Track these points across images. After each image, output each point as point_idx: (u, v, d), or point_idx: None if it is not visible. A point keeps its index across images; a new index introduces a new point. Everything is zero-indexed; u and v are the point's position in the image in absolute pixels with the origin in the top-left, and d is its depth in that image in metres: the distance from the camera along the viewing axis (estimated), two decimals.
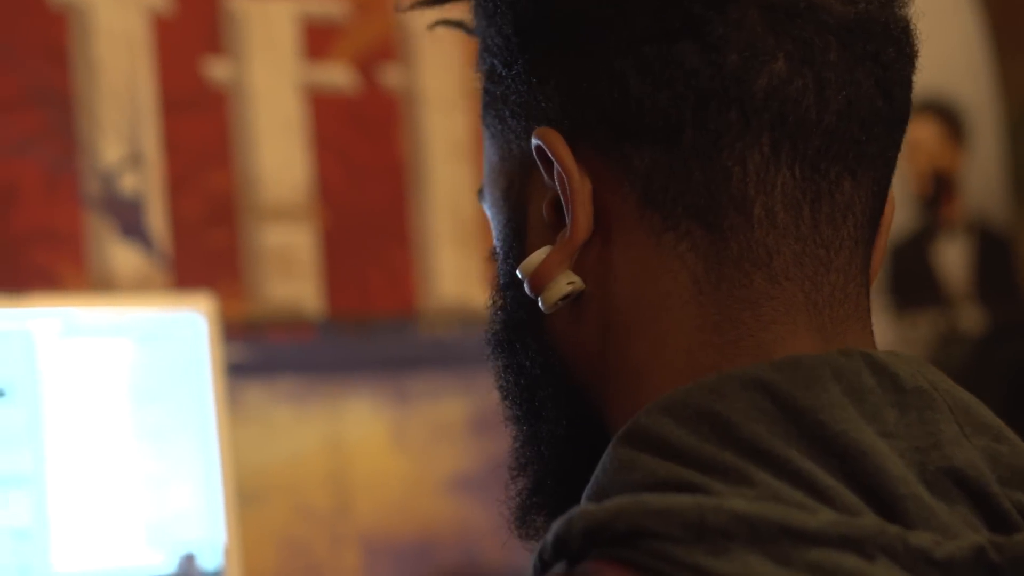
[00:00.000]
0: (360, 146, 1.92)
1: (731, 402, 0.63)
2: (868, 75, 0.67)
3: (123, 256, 1.74)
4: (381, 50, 1.96)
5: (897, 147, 0.70)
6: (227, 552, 1.55)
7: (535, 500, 0.75)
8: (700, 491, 0.62)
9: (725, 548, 0.60)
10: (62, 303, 1.55)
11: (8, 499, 1.46)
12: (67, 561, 1.47)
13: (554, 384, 0.73)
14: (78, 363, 1.53)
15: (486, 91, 0.73)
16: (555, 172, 0.68)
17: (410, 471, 1.82)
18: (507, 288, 0.74)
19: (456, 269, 1.94)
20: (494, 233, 0.75)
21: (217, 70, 1.85)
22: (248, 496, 1.69)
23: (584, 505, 0.64)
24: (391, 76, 1.97)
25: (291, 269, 1.85)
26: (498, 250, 0.75)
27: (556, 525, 0.64)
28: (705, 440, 0.63)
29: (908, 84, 0.70)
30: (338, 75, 1.93)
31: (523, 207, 0.72)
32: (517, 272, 0.71)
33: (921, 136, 2.85)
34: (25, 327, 1.51)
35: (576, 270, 0.69)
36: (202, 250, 1.80)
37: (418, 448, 1.82)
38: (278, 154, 1.86)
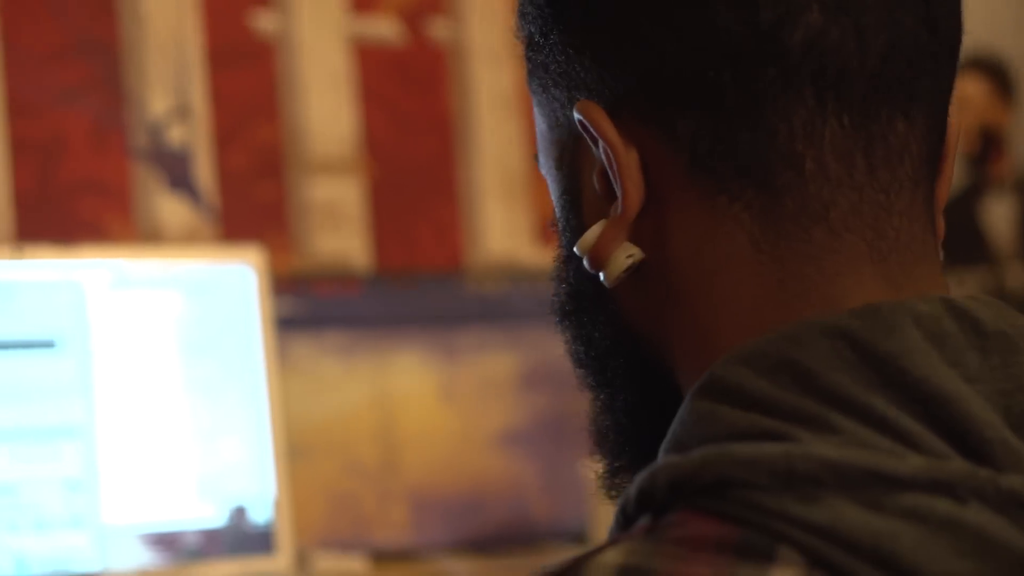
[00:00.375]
0: (407, 99, 1.90)
1: (810, 350, 0.62)
2: (910, 12, 0.65)
3: (170, 208, 1.73)
4: (428, 3, 1.94)
5: (951, 77, 0.69)
6: (277, 505, 1.54)
7: (620, 464, 0.75)
8: (785, 440, 0.61)
9: (815, 495, 0.59)
10: (111, 255, 1.54)
11: (59, 450, 1.46)
12: (117, 512, 1.47)
13: (624, 354, 0.72)
14: (127, 315, 1.52)
15: (528, 58, 0.73)
16: (600, 146, 0.68)
17: (458, 426, 1.81)
18: (568, 261, 0.73)
19: (503, 224, 1.93)
20: (553, 200, 0.74)
21: (264, 22, 1.84)
22: (297, 450, 1.68)
23: (667, 458, 0.63)
24: (438, 29, 1.95)
25: (338, 223, 1.83)
26: (557, 219, 0.74)
27: (639, 478, 0.63)
28: (785, 389, 0.62)
29: (956, 12, 0.68)
30: (385, 28, 1.92)
31: (576, 176, 0.71)
32: (574, 248, 0.71)
33: (968, 93, 2.82)
34: (75, 278, 1.50)
35: (633, 239, 0.68)
36: (249, 203, 1.79)
37: (466, 403, 1.81)
38: (325, 107, 1.84)
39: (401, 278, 1.83)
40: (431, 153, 1.91)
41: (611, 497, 0.75)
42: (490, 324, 1.86)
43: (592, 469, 0.75)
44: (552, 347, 2.06)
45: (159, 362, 1.53)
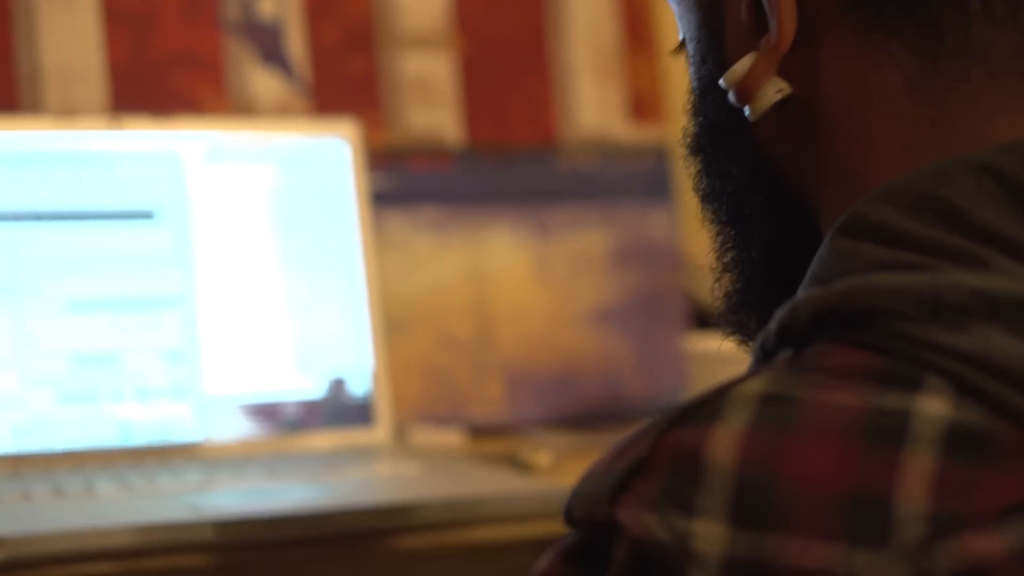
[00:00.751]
0: None
1: (957, 186, 0.61)
2: None
3: (263, 82, 1.72)
4: None
5: None
6: (375, 378, 1.54)
7: (747, 299, 0.74)
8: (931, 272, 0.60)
9: (963, 324, 0.58)
10: (207, 126, 1.53)
11: (159, 320, 1.46)
12: (218, 383, 1.48)
13: (764, 190, 0.72)
14: (224, 187, 1.52)
15: None
16: None
17: (552, 303, 1.80)
18: (706, 93, 0.73)
19: (596, 99, 1.90)
20: (685, 32, 0.73)
21: None
22: (392, 324, 1.68)
23: (809, 291, 0.62)
24: None
25: (430, 97, 1.82)
26: (692, 52, 0.73)
27: (779, 313, 0.63)
28: (930, 225, 0.61)
29: None
30: None
31: (717, 6, 0.70)
32: (720, 81, 0.70)
33: None
34: (172, 149, 1.50)
35: (781, 74, 0.68)
36: (341, 77, 1.77)
37: (559, 280, 1.80)
38: None
39: (493, 154, 1.81)
40: (523, 28, 1.88)
41: (731, 332, 0.75)
42: (583, 200, 1.84)
43: (715, 298, 0.75)
44: (645, 223, 2.03)
45: (256, 235, 1.52)
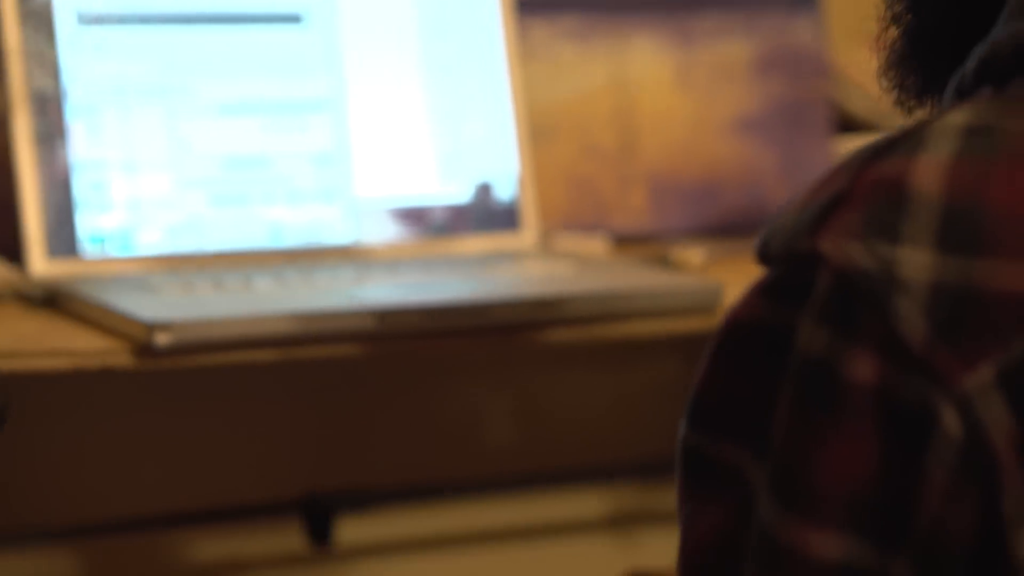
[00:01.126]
0: None
1: None
2: None
3: None
4: None
5: None
6: (521, 183, 1.54)
7: (913, 51, 0.71)
8: None
9: None
10: None
11: (308, 124, 1.47)
12: (367, 186, 1.48)
13: None
14: None
15: None
16: None
17: (695, 111, 1.78)
18: None
19: None
20: None
21: None
22: (536, 133, 1.67)
23: (1008, 27, 0.60)
24: None
25: None
26: None
27: (979, 50, 0.60)
28: None
29: None
30: None
31: None
32: None
33: None
34: None
35: None
36: None
37: (703, 88, 1.78)
38: None
39: None
40: None
41: (890, 88, 0.72)
42: (726, 9, 1.81)
43: (879, 52, 0.72)
44: (790, 32, 1.99)
45: (401, 40, 1.52)
